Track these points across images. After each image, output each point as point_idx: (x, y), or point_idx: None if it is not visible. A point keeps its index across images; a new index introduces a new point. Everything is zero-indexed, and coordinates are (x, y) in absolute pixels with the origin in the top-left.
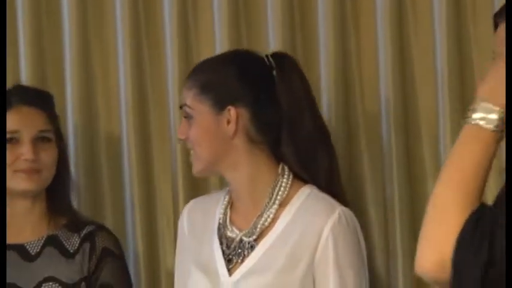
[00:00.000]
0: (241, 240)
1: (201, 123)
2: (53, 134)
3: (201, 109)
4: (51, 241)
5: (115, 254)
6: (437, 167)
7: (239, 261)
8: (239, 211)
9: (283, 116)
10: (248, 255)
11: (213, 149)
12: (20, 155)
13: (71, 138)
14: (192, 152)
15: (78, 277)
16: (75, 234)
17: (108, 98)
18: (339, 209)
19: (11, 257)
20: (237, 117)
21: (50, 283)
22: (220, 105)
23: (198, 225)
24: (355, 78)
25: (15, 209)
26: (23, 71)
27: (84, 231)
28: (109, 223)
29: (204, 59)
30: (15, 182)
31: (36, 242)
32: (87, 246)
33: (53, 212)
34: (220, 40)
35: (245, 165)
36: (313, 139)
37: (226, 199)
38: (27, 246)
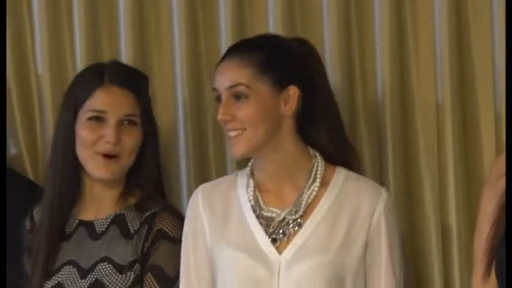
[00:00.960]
0: (284, 219)
1: (260, 102)
2: (140, 118)
3: (261, 88)
4: (117, 220)
5: (169, 237)
6: None
7: (285, 239)
8: (272, 191)
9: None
10: (295, 233)
11: (268, 129)
12: (102, 136)
13: None
14: (235, 134)
15: (131, 258)
16: (140, 215)
17: (163, 76)
18: (383, 189)
19: (80, 233)
20: (297, 97)
21: (105, 263)
22: (281, 84)
23: (217, 208)
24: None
25: (92, 189)
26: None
27: (148, 213)
28: None
29: (245, 39)
30: (93, 166)
31: (104, 220)
32: (145, 227)
33: (128, 192)
34: (273, 16)
35: (288, 146)
36: (337, 125)
37: (251, 181)
38: (96, 224)
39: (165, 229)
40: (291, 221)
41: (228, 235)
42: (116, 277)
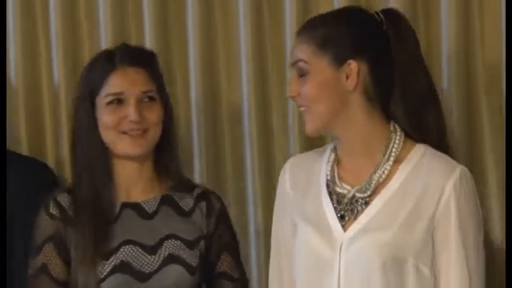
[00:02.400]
0: (353, 197)
1: (319, 78)
2: (157, 93)
3: (320, 64)
4: (167, 200)
5: (229, 217)
6: None
7: (352, 217)
8: (348, 168)
9: (396, 73)
10: (362, 211)
11: (331, 105)
12: (124, 117)
13: (193, 109)
14: (303, 110)
15: (196, 234)
16: (187, 194)
17: (228, 58)
18: (459, 168)
19: (128, 214)
20: (358, 72)
21: (172, 240)
22: (340, 59)
23: (301, 181)
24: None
25: (123, 170)
26: (147, 36)
27: (196, 192)
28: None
29: (315, 15)
30: (121, 146)
31: (152, 200)
32: (203, 205)
33: (162, 173)
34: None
35: (360, 122)
36: (424, 98)
37: (332, 156)
38: (144, 205)
39: (223, 208)
40: (360, 199)
41: (305, 210)
42: (188, 251)
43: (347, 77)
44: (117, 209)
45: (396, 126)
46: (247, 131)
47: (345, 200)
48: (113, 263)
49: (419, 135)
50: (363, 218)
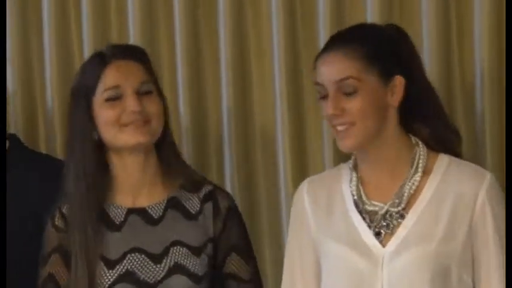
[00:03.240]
0: (387, 212)
1: (369, 95)
2: (154, 86)
3: (370, 80)
4: (173, 203)
5: (239, 214)
6: None
7: (389, 232)
8: (374, 184)
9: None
10: (398, 225)
11: (377, 122)
12: (124, 110)
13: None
14: (340, 127)
15: (203, 239)
16: (195, 195)
17: (262, 68)
18: (488, 174)
19: (134, 220)
20: (403, 87)
21: (178, 247)
22: (387, 75)
23: (322, 201)
24: None
25: (127, 169)
26: (177, 41)
27: (203, 192)
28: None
29: (345, 30)
30: (124, 137)
31: (157, 205)
32: (209, 206)
33: (168, 173)
34: (371, 6)
35: (391, 137)
36: (439, 110)
37: (354, 175)
38: (149, 210)
39: (233, 207)
40: (394, 213)
41: (332, 229)
42: (194, 259)
43: (392, 93)
44: (123, 215)
45: (416, 139)
46: (280, 143)
47: (378, 217)
48: (117, 272)
49: (441, 145)
50: (401, 232)
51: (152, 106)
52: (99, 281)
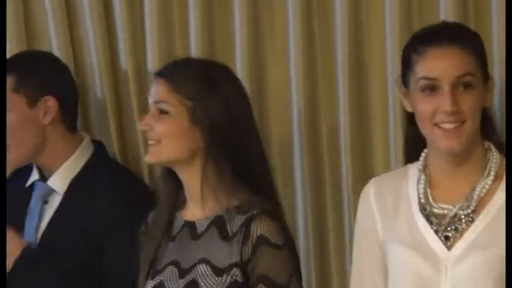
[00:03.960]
0: (455, 215)
1: (479, 93)
2: (172, 108)
3: (479, 77)
4: (217, 221)
5: (271, 243)
6: None
7: (457, 235)
8: (442, 187)
9: None
10: (467, 228)
11: (479, 121)
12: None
13: None
14: (450, 125)
15: (229, 261)
16: (240, 217)
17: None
18: None
19: (184, 233)
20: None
21: (203, 265)
22: (486, 75)
23: (389, 201)
24: None
25: (188, 186)
26: (192, 42)
27: (247, 215)
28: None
29: (451, 25)
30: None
31: (205, 220)
32: (242, 230)
33: (229, 192)
34: (390, 15)
35: (476, 140)
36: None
37: (422, 177)
38: (197, 224)
39: (266, 235)
40: (463, 216)
41: (397, 231)
42: (213, 279)
43: (491, 92)
44: (180, 227)
45: (489, 144)
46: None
47: (447, 220)
48: (154, 283)
49: None
50: (469, 235)
51: (160, 127)
52: None
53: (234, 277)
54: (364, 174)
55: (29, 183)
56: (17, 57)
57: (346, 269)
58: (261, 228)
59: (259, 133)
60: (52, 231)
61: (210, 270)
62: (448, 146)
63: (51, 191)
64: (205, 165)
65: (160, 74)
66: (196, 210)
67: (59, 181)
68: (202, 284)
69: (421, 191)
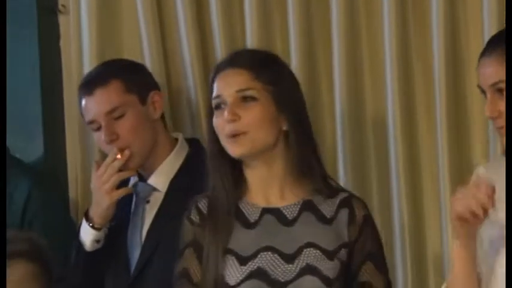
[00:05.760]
0: None
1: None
2: (258, 93)
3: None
4: (308, 206)
5: (374, 223)
6: None
7: None
8: None
9: None
10: None
11: None
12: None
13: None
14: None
15: (336, 243)
16: (330, 200)
17: (374, 69)
18: None
19: (268, 220)
20: None
21: (311, 249)
22: None
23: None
24: None
25: (253, 170)
26: (292, 37)
27: (339, 198)
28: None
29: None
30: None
31: (292, 206)
32: (345, 212)
33: (304, 176)
34: (488, 23)
35: None
36: None
37: None
38: (284, 211)
39: (368, 215)
40: None
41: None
42: (327, 263)
43: None
44: (258, 214)
45: None
46: (392, 136)
47: None
48: (249, 269)
49: None
50: None
51: (249, 114)
52: (228, 276)
53: (341, 258)
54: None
55: (130, 185)
56: (111, 63)
57: None
58: (363, 209)
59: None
60: (156, 229)
61: (320, 253)
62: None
63: (153, 190)
64: (287, 149)
65: (233, 64)
66: (271, 196)
67: (160, 180)
68: (320, 268)
69: None
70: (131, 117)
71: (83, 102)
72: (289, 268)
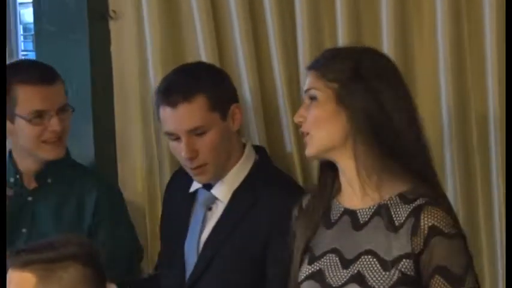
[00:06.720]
0: None
1: None
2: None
3: None
4: (381, 211)
5: (444, 232)
6: None
7: None
8: None
9: None
10: None
11: None
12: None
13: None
14: None
15: (397, 253)
16: (406, 206)
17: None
18: None
19: (344, 221)
20: None
21: (369, 256)
22: None
23: None
24: None
25: (341, 172)
26: (339, 32)
27: (414, 204)
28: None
29: None
30: None
31: (367, 210)
32: (411, 221)
33: (393, 179)
34: None
35: None
36: None
37: None
38: (359, 213)
39: (438, 225)
40: None
41: None
42: (379, 273)
43: None
44: (338, 214)
45: None
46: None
47: None
48: (313, 269)
49: None
50: None
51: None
52: (299, 273)
53: (402, 270)
54: None
55: (192, 189)
56: (196, 73)
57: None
58: (431, 218)
59: (417, 116)
60: (215, 238)
61: (376, 263)
62: None
63: (215, 199)
64: (355, 148)
65: (311, 65)
66: (354, 197)
67: (224, 190)
68: (368, 278)
69: None
70: (213, 135)
71: (163, 111)
72: (342, 274)
